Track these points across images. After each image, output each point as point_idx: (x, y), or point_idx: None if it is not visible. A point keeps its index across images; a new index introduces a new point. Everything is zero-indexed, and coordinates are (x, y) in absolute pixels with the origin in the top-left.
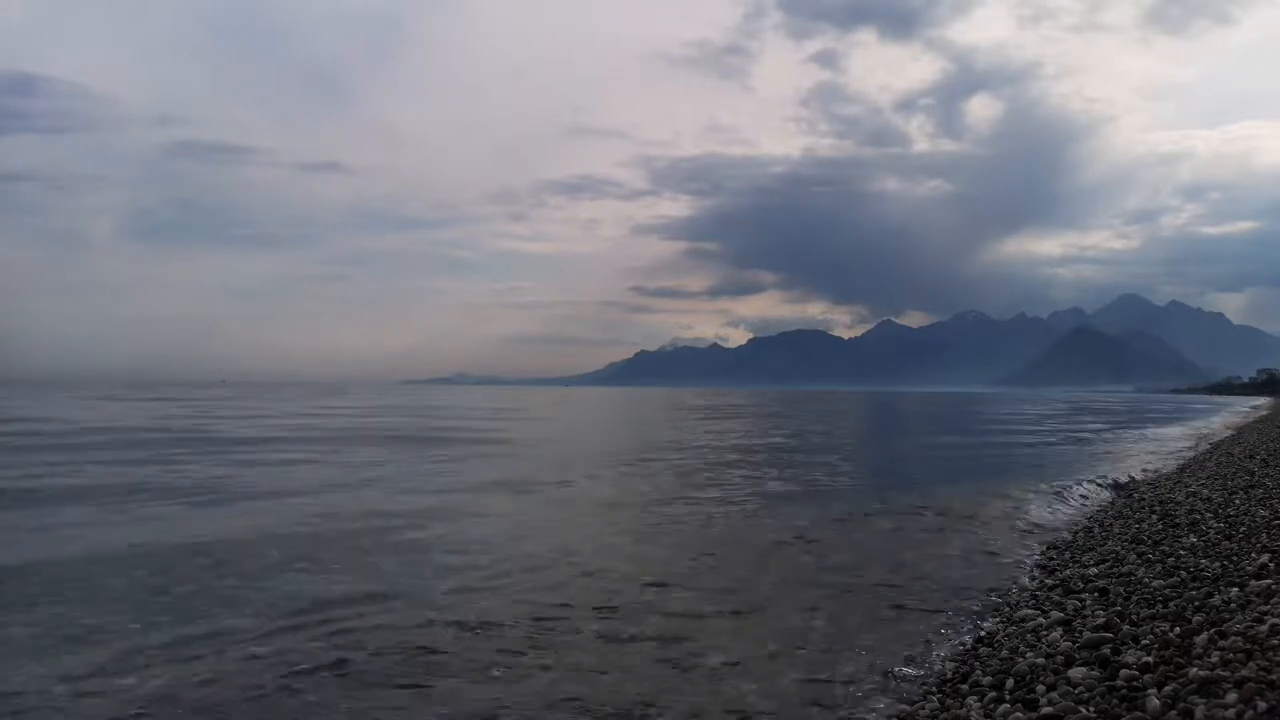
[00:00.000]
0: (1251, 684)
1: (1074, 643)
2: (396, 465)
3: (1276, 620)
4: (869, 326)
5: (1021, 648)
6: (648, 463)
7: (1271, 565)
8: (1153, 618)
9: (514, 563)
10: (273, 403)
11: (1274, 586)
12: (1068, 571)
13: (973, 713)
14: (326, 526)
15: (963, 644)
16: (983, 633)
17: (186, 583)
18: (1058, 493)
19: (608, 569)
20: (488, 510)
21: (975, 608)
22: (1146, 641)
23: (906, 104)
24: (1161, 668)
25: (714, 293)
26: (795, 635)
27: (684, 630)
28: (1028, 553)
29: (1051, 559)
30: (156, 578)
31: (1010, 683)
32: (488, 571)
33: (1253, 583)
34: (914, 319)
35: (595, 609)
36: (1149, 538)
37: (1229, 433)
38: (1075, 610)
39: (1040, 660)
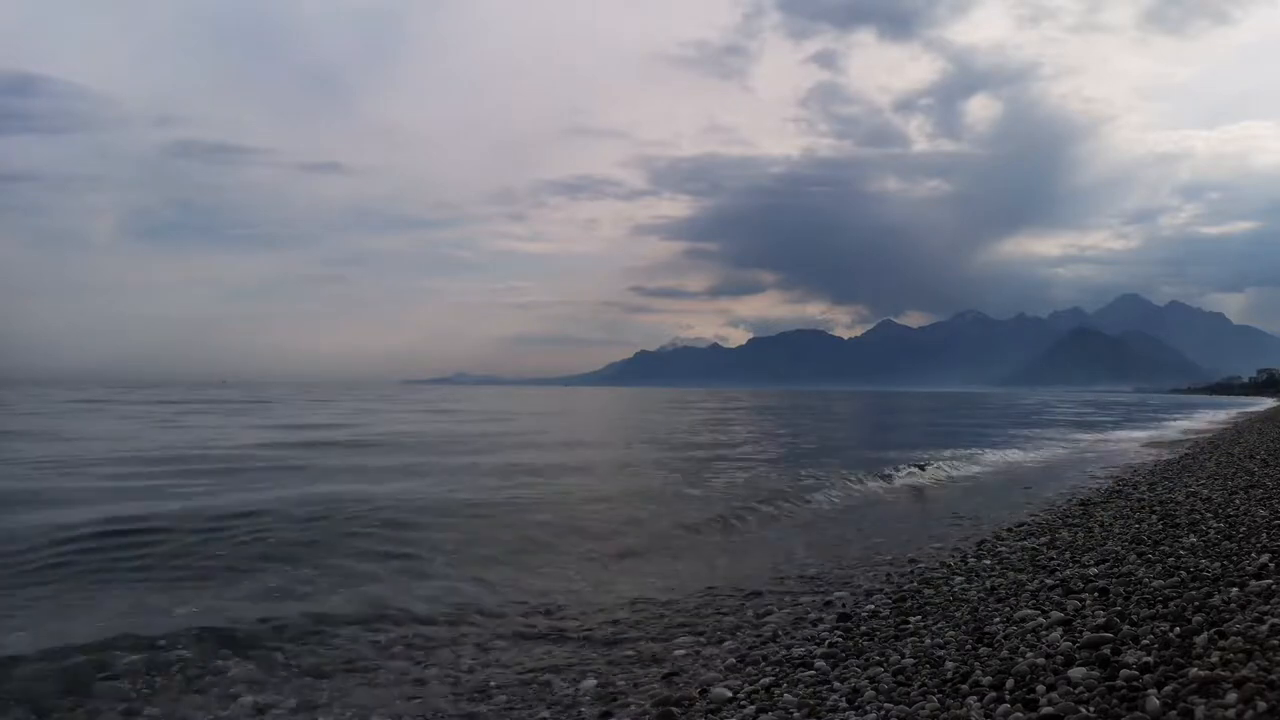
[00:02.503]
0: (1251, 684)
1: (1074, 643)
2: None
3: (1276, 620)
4: (869, 326)
5: (1021, 648)
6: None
7: (1271, 565)
8: (1153, 618)
9: None
10: (384, 405)
11: (1274, 586)
12: (1068, 571)
13: (973, 713)
14: None
15: None
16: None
17: None
18: None
19: None
20: None
21: None
22: (1146, 641)
23: (906, 104)
24: (1161, 668)
25: (714, 293)
26: None
27: None
28: None
29: (1052, 559)
30: None
31: (1010, 683)
32: None
33: (1253, 583)
34: (914, 319)
35: None
36: (1149, 538)
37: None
38: (1075, 610)
39: (1040, 660)
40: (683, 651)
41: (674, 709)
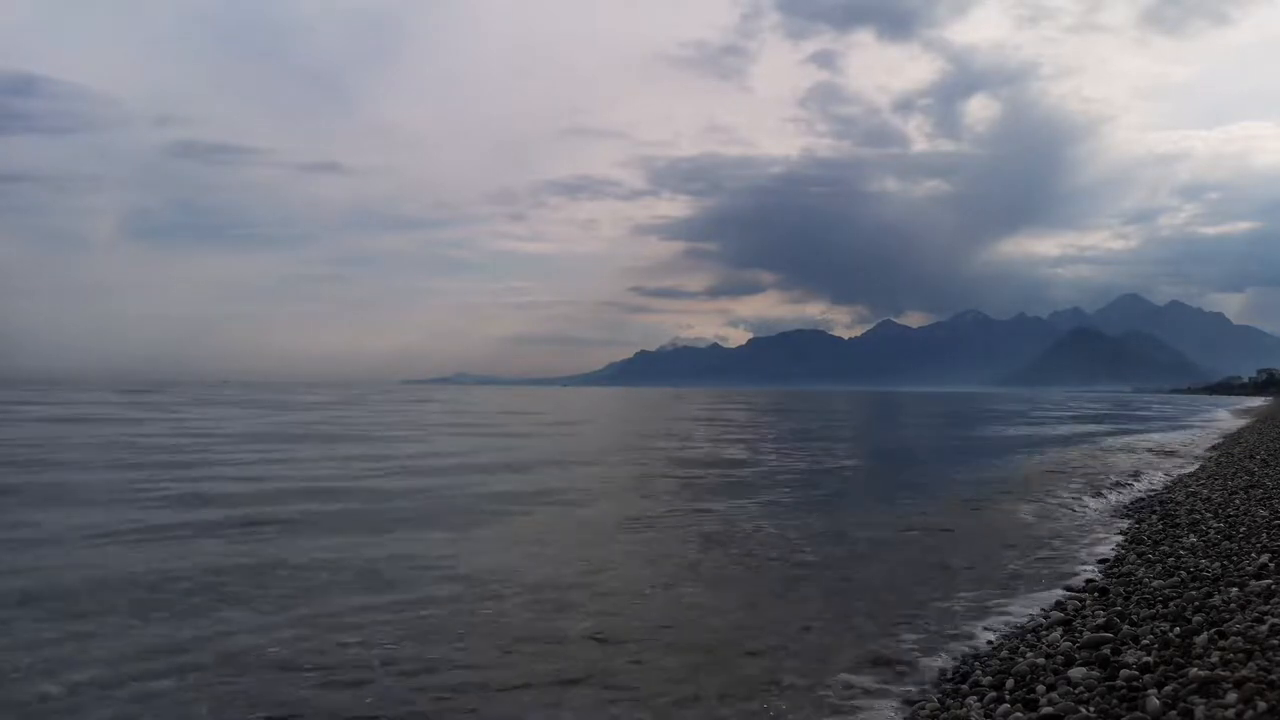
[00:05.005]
0: (1251, 684)
1: (1074, 643)
2: None
3: (1276, 620)
4: (869, 326)
5: (1021, 648)
6: None
7: (1271, 565)
8: (1153, 618)
9: None
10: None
11: (1274, 586)
12: None
13: (973, 713)
14: None
15: None
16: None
17: None
18: None
19: None
20: None
21: None
22: (1146, 641)
23: (905, 104)
24: (1161, 668)
25: (714, 293)
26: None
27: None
28: None
29: None
30: None
31: (1010, 683)
32: None
33: (1253, 583)
34: (914, 319)
35: None
36: (1149, 538)
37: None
38: (1075, 610)
39: (1040, 660)
40: None
41: None
